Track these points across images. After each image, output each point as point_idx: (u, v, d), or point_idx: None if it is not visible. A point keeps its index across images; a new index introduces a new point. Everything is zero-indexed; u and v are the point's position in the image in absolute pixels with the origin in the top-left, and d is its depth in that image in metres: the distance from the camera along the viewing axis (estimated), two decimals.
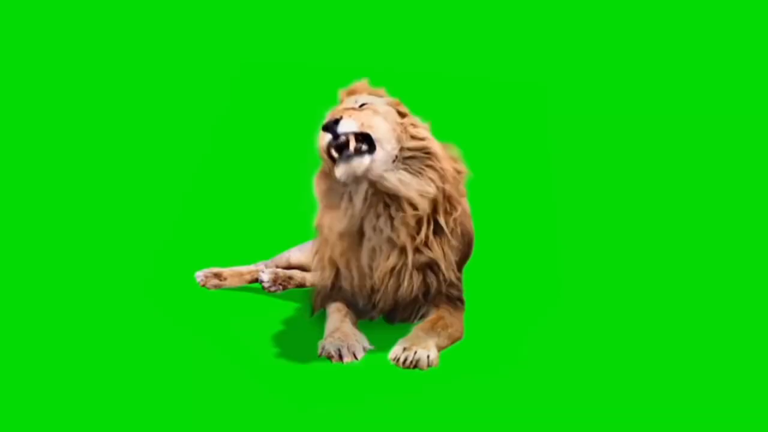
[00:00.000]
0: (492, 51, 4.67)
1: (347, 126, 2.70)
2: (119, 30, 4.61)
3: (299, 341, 2.83)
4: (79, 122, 4.47)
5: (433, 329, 2.75)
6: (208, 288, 3.47)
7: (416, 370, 2.55)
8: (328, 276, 2.97)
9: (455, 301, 2.93)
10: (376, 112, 2.80)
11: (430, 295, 2.90)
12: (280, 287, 3.46)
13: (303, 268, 3.57)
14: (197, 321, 3.05)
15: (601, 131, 4.50)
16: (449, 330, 2.80)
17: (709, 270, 3.61)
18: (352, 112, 2.76)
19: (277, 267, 3.58)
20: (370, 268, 2.85)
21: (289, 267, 3.61)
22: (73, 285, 3.38)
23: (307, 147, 4.44)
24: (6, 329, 2.89)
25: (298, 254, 3.64)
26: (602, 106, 4.55)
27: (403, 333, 2.73)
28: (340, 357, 2.59)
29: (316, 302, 3.07)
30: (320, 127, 2.74)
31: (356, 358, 2.62)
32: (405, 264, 2.81)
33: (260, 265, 3.63)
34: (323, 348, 2.63)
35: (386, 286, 2.85)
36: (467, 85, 4.64)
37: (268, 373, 2.55)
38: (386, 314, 3.00)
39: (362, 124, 2.72)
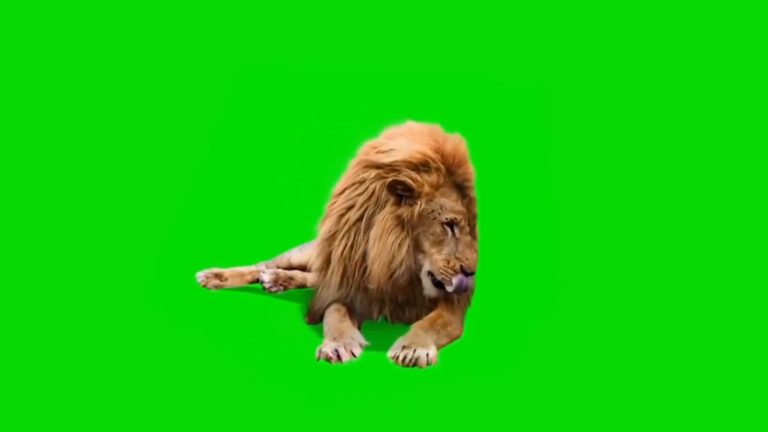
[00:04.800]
0: (492, 51, 4.67)
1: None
2: (126, 30, 4.63)
3: (300, 341, 2.84)
4: (81, 123, 4.48)
5: (432, 327, 2.76)
6: (209, 288, 3.47)
7: (415, 368, 2.56)
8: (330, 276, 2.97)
9: (454, 299, 2.92)
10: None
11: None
12: (281, 288, 3.46)
13: (304, 269, 3.57)
14: (198, 322, 3.06)
15: (600, 132, 4.50)
16: (448, 328, 2.81)
17: (709, 270, 3.60)
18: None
19: (278, 267, 3.58)
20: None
21: (290, 267, 3.61)
22: (74, 285, 3.38)
23: (307, 148, 4.51)
24: (7, 330, 2.90)
25: (298, 255, 3.63)
26: (602, 107, 4.56)
27: (403, 332, 2.74)
28: (339, 358, 2.60)
29: (315, 305, 3.07)
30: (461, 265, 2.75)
31: (354, 355, 2.63)
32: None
33: (261, 266, 3.63)
34: (320, 351, 2.64)
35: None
36: (467, 85, 4.65)
37: (269, 372, 2.56)
38: (392, 314, 2.99)
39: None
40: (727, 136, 4.36)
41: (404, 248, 2.75)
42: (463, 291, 2.78)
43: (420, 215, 2.74)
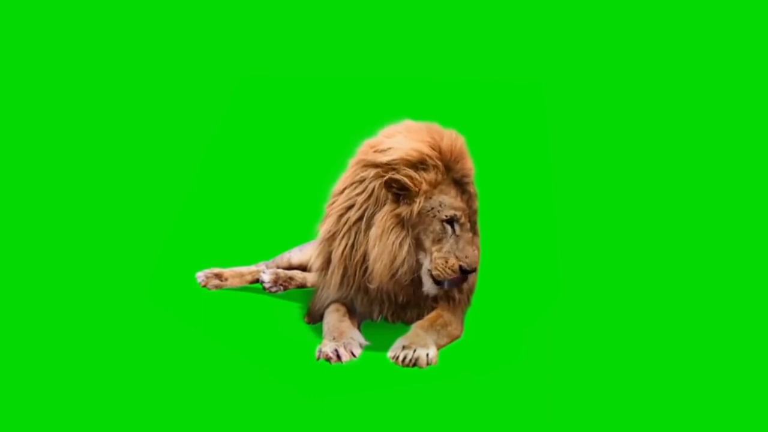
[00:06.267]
0: (491, 52, 4.68)
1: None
2: (127, 34, 4.66)
3: (300, 341, 2.84)
4: (83, 123, 4.50)
5: (432, 327, 2.76)
6: (209, 288, 3.47)
7: (415, 368, 2.56)
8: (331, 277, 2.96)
9: (454, 299, 2.92)
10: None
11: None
12: (281, 288, 3.46)
13: (304, 269, 3.58)
14: (198, 321, 3.06)
15: (600, 132, 4.50)
16: (448, 328, 2.81)
17: (708, 269, 3.60)
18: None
19: (278, 267, 3.59)
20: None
21: (290, 267, 3.61)
22: (74, 285, 3.39)
23: (307, 148, 4.52)
24: (7, 331, 2.90)
25: (298, 255, 3.64)
26: (601, 107, 4.56)
27: (403, 332, 2.74)
28: (339, 357, 2.60)
29: (315, 306, 3.07)
30: (460, 265, 2.74)
31: (354, 355, 2.63)
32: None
33: (261, 266, 3.63)
34: (320, 351, 2.64)
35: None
36: (466, 86, 4.65)
37: (269, 372, 2.56)
38: (392, 314, 2.98)
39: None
40: (727, 136, 4.36)
41: (405, 247, 2.75)
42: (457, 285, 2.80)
43: (419, 213, 2.73)
